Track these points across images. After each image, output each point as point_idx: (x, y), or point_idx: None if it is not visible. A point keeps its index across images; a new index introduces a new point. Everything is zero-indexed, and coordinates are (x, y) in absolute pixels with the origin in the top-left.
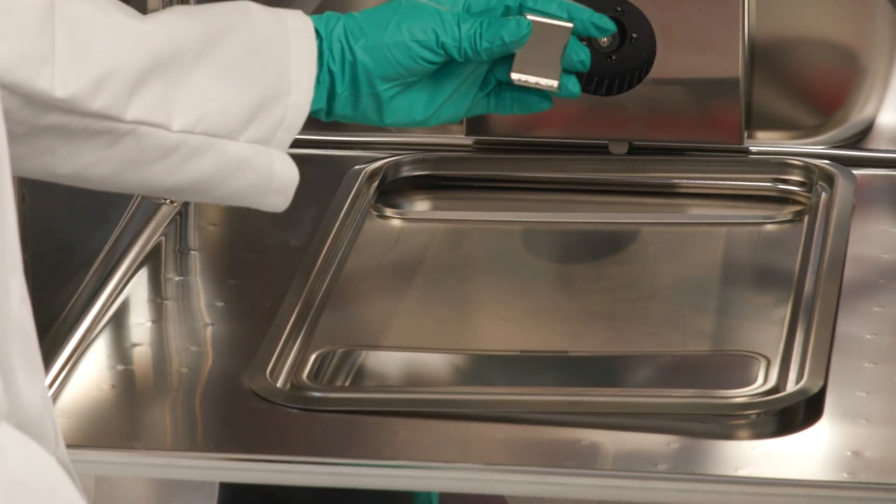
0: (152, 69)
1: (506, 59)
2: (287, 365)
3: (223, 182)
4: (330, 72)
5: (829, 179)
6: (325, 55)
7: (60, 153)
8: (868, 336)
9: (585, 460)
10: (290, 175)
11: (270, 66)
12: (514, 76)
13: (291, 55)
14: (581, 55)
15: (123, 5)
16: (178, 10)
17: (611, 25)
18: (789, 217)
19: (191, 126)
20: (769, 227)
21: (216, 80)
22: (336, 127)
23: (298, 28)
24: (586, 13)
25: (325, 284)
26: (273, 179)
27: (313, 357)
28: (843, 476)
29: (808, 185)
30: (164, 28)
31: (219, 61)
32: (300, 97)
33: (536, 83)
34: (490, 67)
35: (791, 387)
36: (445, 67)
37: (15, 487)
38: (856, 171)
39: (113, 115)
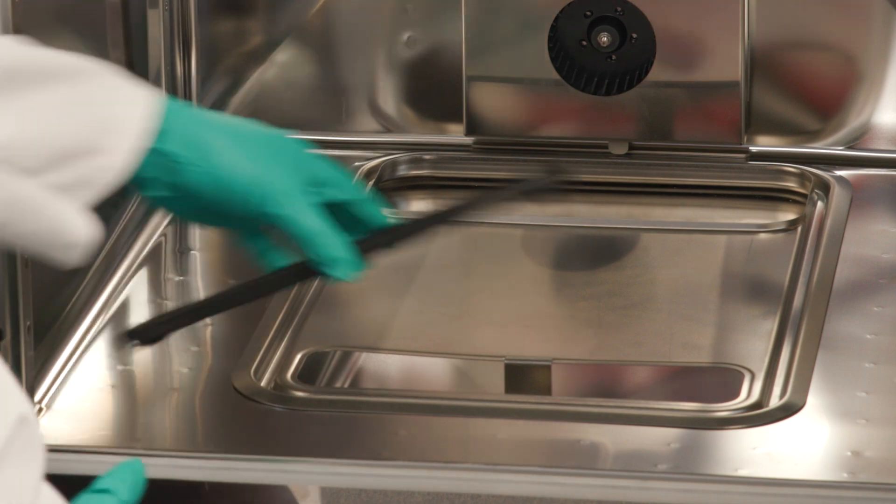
0: None
1: None
2: (285, 365)
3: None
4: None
5: (825, 188)
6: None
7: None
8: (868, 336)
9: (585, 460)
10: (81, 231)
11: (95, 120)
12: None
13: (123, 117)
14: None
15: None
16: (26, 40)
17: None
18: (783, 226)
19: None
20: (763, 235)
21: (36, 113)
22: (336, 126)
23: (139, 100)
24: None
25: (314, 284)
26: (62, 233)
27: (299, 356)
28: (843, 476)
29: (803, 194)
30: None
31: (46, 97)
32: (114, 161)
33: None
34: None
35: (775, 402)
36: None
37: None
38: (854, 172)
39: None
